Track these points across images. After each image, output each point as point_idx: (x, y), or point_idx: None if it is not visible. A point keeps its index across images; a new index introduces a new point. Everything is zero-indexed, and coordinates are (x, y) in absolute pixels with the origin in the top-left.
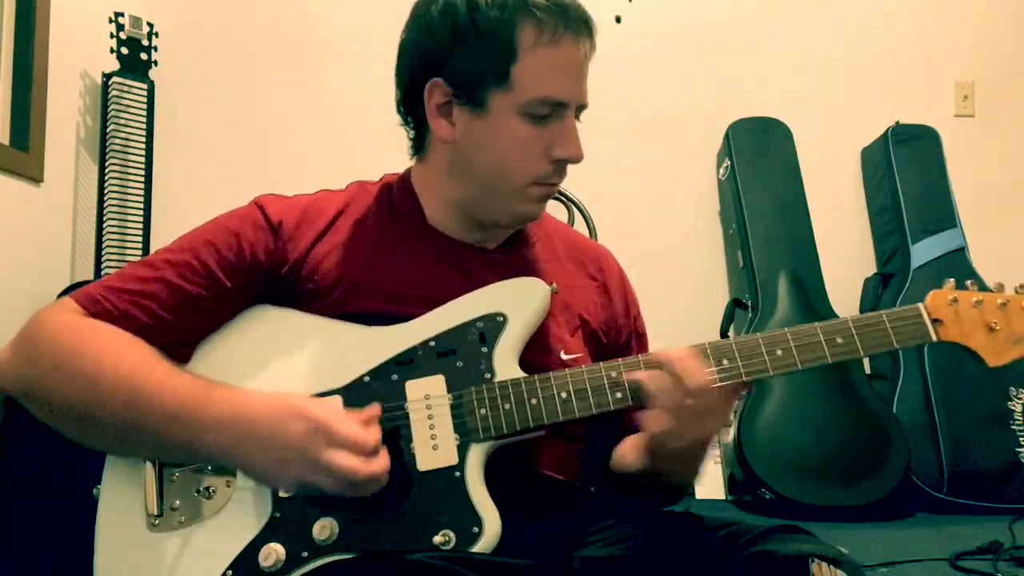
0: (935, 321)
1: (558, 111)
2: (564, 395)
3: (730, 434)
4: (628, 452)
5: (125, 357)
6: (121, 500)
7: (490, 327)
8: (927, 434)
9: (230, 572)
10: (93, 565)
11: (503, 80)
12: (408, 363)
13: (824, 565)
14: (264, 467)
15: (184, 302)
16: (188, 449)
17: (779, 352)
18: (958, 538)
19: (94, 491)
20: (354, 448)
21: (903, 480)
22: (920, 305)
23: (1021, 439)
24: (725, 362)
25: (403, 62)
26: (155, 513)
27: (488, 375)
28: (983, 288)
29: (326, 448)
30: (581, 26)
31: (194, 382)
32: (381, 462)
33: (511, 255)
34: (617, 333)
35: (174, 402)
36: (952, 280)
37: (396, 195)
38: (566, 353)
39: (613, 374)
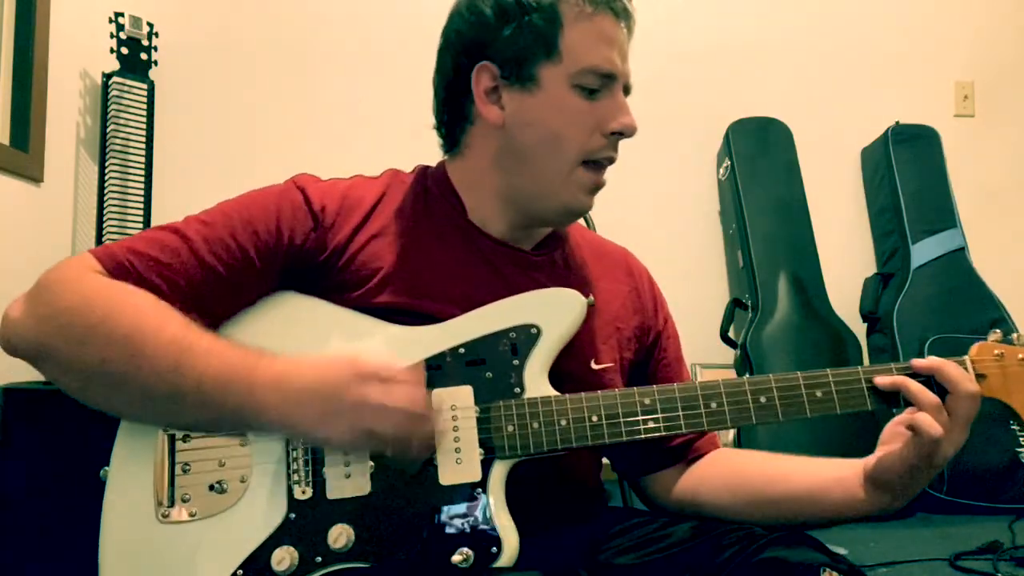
0: (979, 376)
1: (607, 84)
2: (595, 419)
3: (730, 435)
4: (790, 478)
5: (165, 322)
6: (129, 487)
7: (523, 339)
8: None
9: (241, 572)
10: (99, 551)
11: (552, 51)
12: (436, 369)
13: (835, 575)
14: (314, 419)
15: (212, 280)
16: (237, 416)
17: (819, 394)
18: (958, 538)
19: (101, 473)
20: (411, 387)
21: None
22: (965, 358)
23: (1021, 439)
24: (763, 400)
25: (446, 57)
26: (165, 503)
27: (518, 390)
28: None
29: (379, 386)
30: (619, 6)
31: (242, 348)
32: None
33: (546, 257)
34: (647, 335)
35: (224, 367)
36: (999, 331)
37: (433, 188)
38: (596, 363)
39: (647, 401)
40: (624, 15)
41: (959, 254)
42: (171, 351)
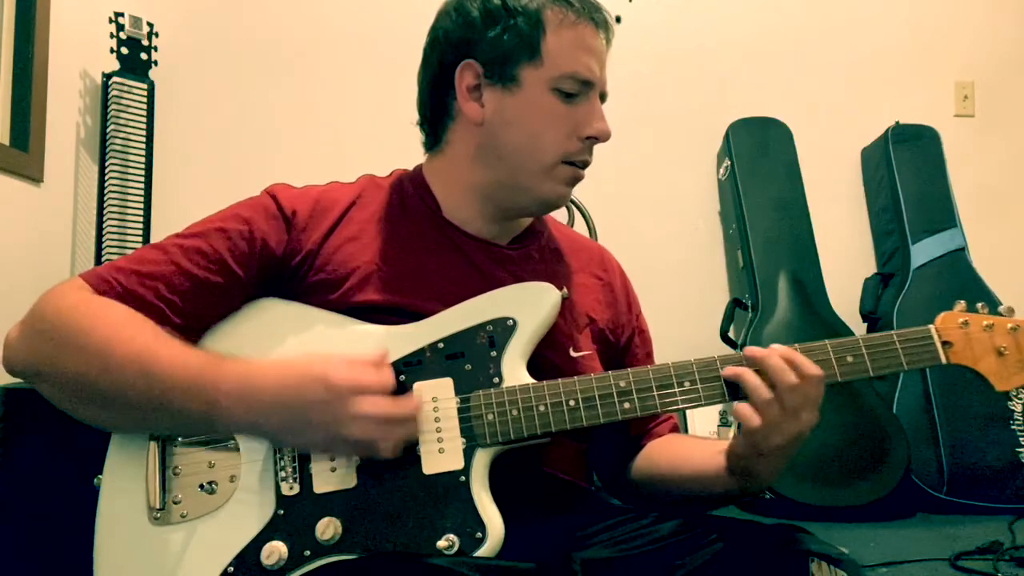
0: (945, 344)
1: (585, 91)
2: (572, 403)
3: (731, 434)
4: (686, 459)
5: (136, 333)
6: (122, 491)
7: (500, 331)
8: (927, 434)
9: (231, 569)
10: (93, 557)
11: (535, 54)
12: (416, 364)
13: (824, 564)
14: (283, 430)
15: (193, 286)
16: (207, 423)
17: None
18: (958, 538)
19: (95, 480)
20: (381, 392)
21: (903, 480)
22: (930, 327)
23: (1021, 439)
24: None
25: (432, 54)
26: (157, 506)
27: (496, 380)
28: (993, 310)
29: (353, 400)
30: (600, 17)
31: (205, 355)
32: (411, 402)
33: (521, 251)
34: (621, 331)
35: (185, 375)
36: (963, 302)
37: (409, 188)
38: (575, 351)
39: (622, 383)
40: (604, 26)
41: (959, 254)
42: (140, 361)
